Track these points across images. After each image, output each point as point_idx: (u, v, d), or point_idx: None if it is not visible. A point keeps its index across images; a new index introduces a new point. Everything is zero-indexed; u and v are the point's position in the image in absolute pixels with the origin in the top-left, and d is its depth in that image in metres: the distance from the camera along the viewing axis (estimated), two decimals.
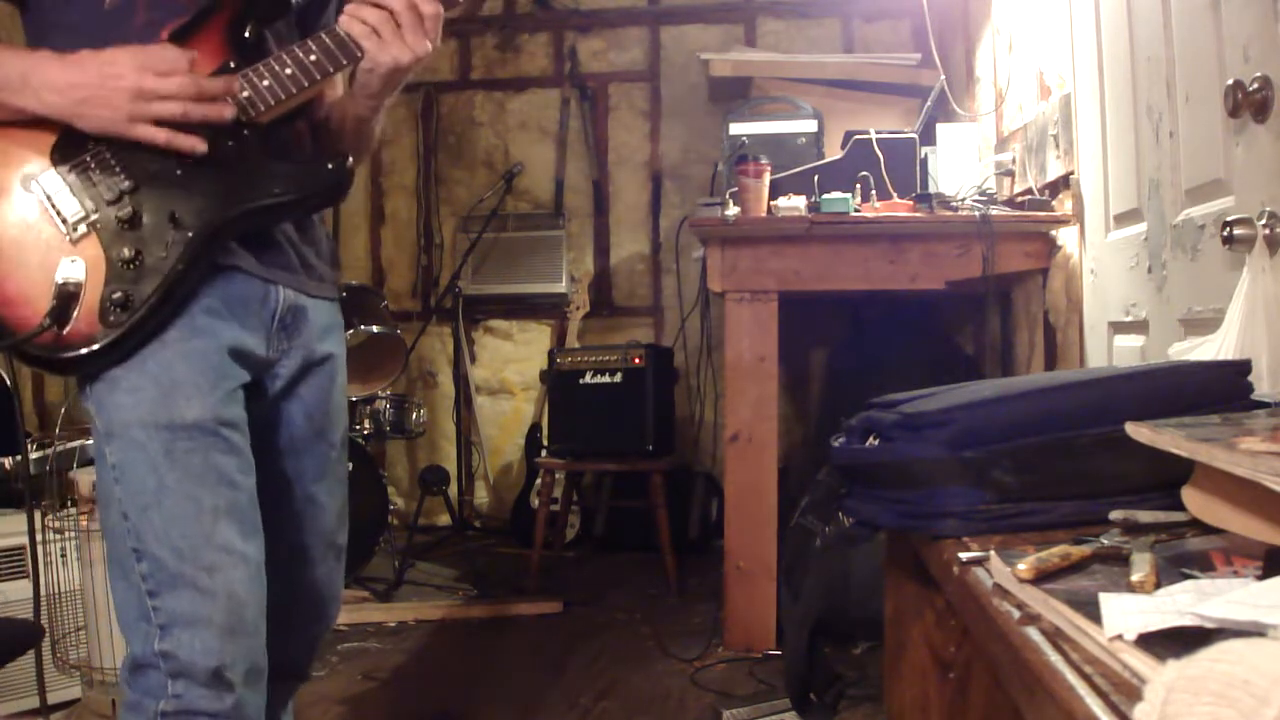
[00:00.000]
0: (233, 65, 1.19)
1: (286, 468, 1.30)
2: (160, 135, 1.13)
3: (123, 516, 1.14)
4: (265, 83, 1.19)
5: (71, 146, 1.15)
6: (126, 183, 1.15)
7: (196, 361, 1.15)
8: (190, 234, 1.15)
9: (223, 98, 1.16)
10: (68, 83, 1.11)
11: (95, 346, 1.12)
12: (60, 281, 1.12)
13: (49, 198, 1.14)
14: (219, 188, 1.17)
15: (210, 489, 1.13)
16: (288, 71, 1.19)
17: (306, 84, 1.20)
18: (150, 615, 1.12)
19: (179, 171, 1.16)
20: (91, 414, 1.17)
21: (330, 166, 1.22)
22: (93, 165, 1.15)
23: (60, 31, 1.18)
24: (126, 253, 1.13)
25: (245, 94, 1.18)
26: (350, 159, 1.23)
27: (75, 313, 1.12)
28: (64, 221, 1.14)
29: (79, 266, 1.13)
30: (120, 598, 1.16)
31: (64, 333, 1.12)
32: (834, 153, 3.02)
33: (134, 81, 1.10)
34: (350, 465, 3.11)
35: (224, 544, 1.13)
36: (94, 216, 1.14)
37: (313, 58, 1.19)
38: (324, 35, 1.20)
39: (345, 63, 1.20)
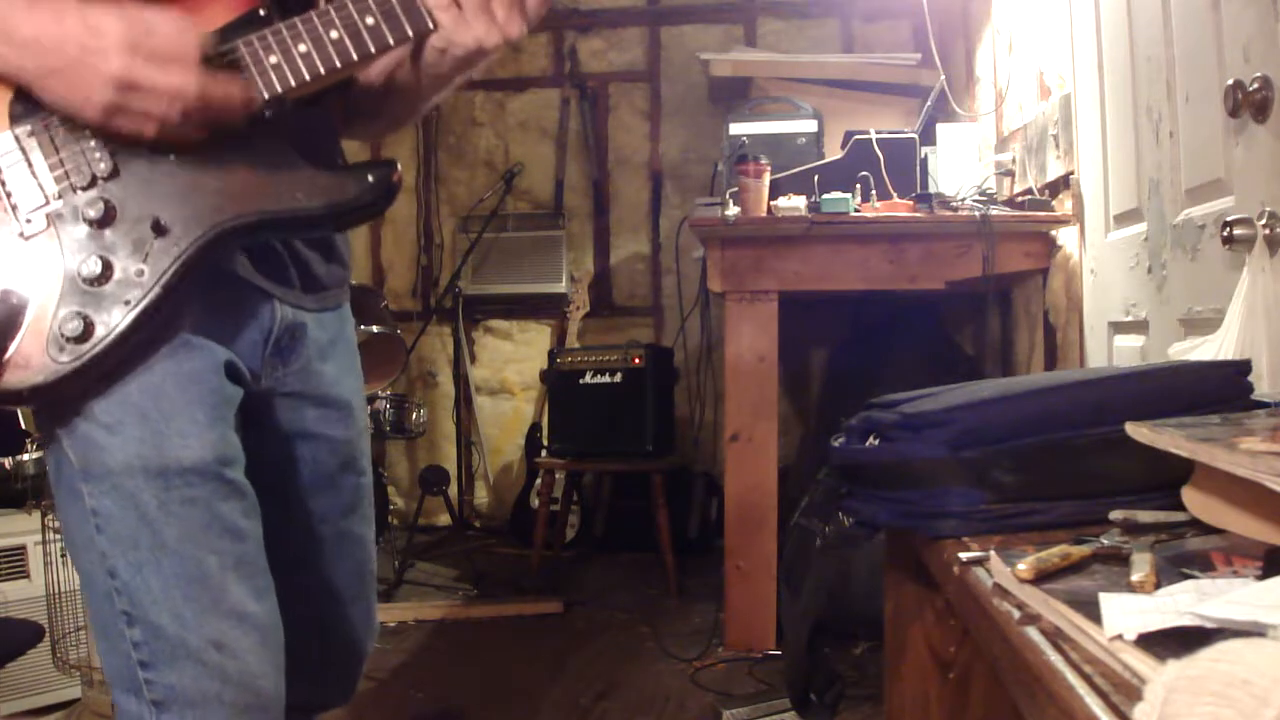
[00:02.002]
0: (263, 13, 0.93)
1: (315, 505, 1.14)
2: (148, 129, 0.89)
3: (109, 574, 0.94)
4: (301, 48, 0.92)
5: (36, 101, 0.89)
6: (104, 163, 0.90)
7: (190, 387, 0.95)
8: (177, 247, 0.91)
9: (237, 105, 0.91)
10: (34, 38, 0.85)
11: (36, 383, 0.89)
12: (1, 290, 0.89)
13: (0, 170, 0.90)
14: (223, 187, 0.92)
15: (215, 545, 0.95)
16: (333, 35, 0.92)
17: (355, 57, 0.93)
18: (141, 689, 0.94)
19: (172, 158, 0.92)
20: (61, 442, 0.95)
21: (372, 179, 0.97)
22: (62, 132, 0.90)
23: None
24: (91, 266, 0.89)
25: (273, 60, 0.92)
26: (398, 170, 0.99)
27: (17, 335, 0.88)
28: (14, 207, 0.90)
29: (28, 273, 0.89)
30: (106, 659, 0.98)
31: (1, 360, 0.88)
32: (834, 153, 3.02)
33: (120, 68, 0.85)
34: None
35: (234, 608, 0.96)
36: (55, 206, 0.90)
37: (369, 21, 0.93)
38: None
39: (411, 35, 0.95)
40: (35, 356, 0.89)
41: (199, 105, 0.89)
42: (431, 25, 0.95)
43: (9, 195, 0.90)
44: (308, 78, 0.93)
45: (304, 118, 0.99)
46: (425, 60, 1.03)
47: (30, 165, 0.90)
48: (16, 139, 0.90)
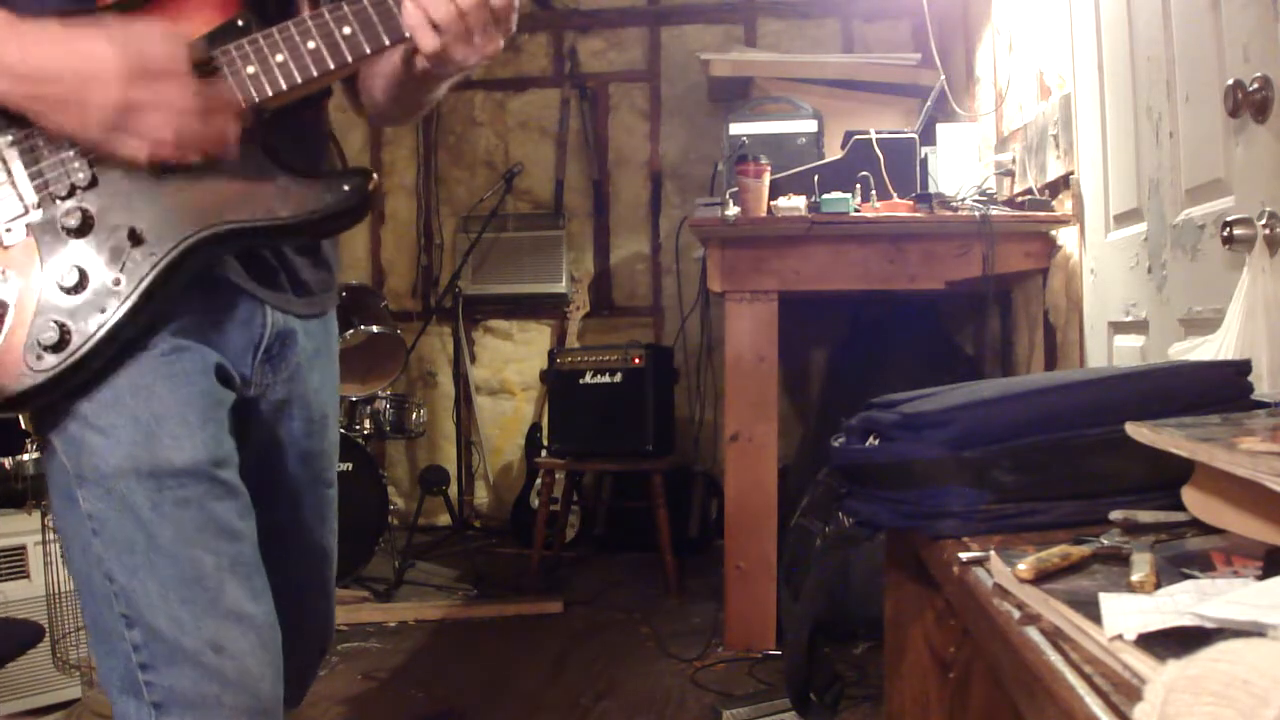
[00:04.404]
0: (241, 23, 0.92)
1: (282, 515, 1.14)
2: (143, 152, 0.89)
3: (107, 578, 0.94)
4: (279, 58, 0.91)
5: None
6: (82, 173, 0.91)
7: (182, 388, 0.95)
8: (154, 255, 0.91)
9: (229, 112, 0.91)
10: (29, 71, 0.85)
11: (13, 391, 0.90)
12: None
13: None
14: (201, 198, 0.92)
15: (210, 546, 0.95)
16: (310, 45, 0.91)
17: (332, 66, 0.92)
18: (142, 691, 0.93)
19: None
20: (55, 446, 0.95)
21: (348, 188, 0.97)
22: (42, 143, 0.90)
23: None
24: (69, 275, 0.89)
25: (250, 70, 0.91)
26: (374, 178, 1.00)
27: None
28: None
29: (7, 282, 0.90)
30: (103, 663, 0.97)
31: None
32: (834, 153, 3.02)
33: (120, 94, 0.86)
34: (350, 465, 3.13)
35: (232, 609, 0.95)
36: (34, 216, 0.90)
37: (346, 31, 0.92)
38: (367, 1, 0.93)
39: (389, 44, 0.94)
40: (13, 365, 0.89)
41: (199, 113, 0.89)
42: (408, 34, 0.94)
43: None
44: (284, 87, 0.92)
45: (292, 122, 0.99)
46: (415, 68, 1.02)
47: (10, 175, 0.90)
48: None
